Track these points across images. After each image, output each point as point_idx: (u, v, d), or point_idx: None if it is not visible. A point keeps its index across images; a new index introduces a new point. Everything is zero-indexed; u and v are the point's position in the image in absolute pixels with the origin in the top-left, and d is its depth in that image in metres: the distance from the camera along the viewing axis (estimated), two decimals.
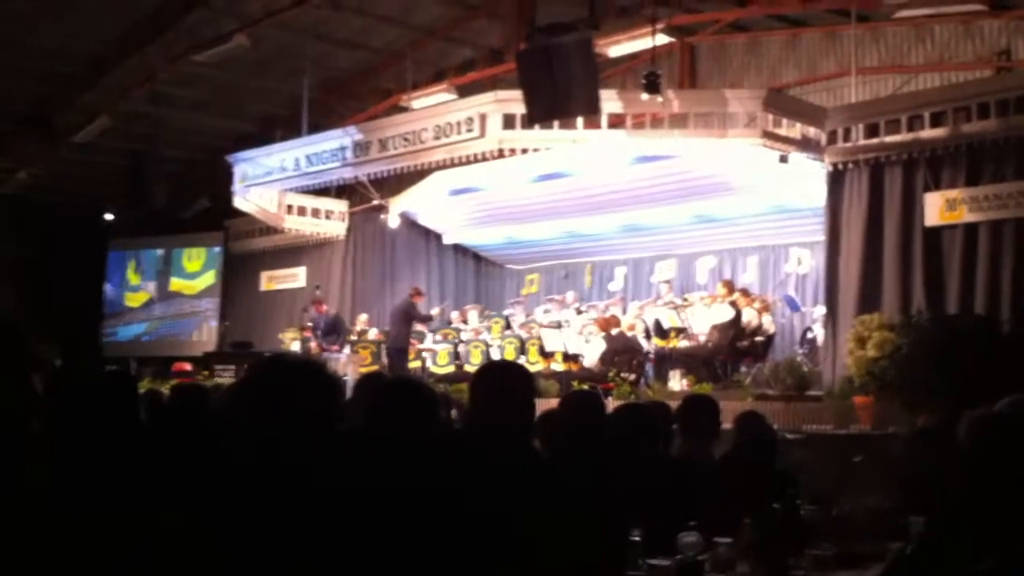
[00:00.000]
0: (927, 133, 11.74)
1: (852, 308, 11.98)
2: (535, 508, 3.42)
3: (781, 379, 12.21)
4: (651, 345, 14.21)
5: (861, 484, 6.06)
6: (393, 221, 17.50)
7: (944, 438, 4.78)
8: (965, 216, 11.41)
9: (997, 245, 11.17)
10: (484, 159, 13.60)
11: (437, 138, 13.67)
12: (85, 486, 2.62)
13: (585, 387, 10.85)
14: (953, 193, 11.55)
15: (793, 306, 14.86)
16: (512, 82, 13.06)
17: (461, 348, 15.45)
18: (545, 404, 4.14)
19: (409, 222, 18.09)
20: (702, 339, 13.79)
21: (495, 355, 14.63)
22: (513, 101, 12.59)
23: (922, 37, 14.07)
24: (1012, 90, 11.36)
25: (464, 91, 15.37)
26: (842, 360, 11.70)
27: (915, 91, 13.35)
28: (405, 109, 15.82)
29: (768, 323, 14.17)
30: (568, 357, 14.19)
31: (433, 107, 14.85)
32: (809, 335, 14.11)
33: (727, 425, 6.04)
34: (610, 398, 11.40)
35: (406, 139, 14.09)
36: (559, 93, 11.73)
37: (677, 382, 13.10)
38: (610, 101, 12.42)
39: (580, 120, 12.46)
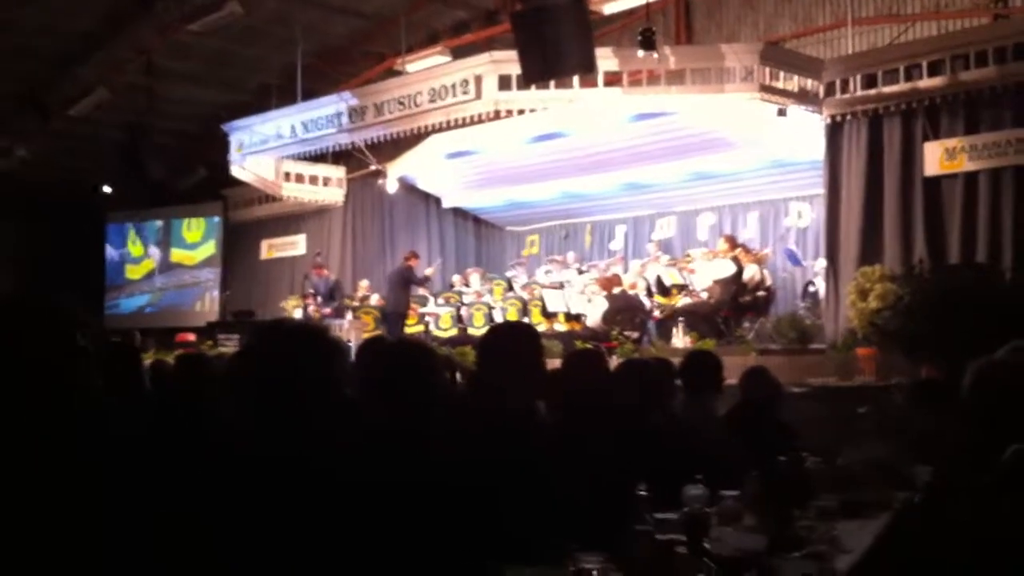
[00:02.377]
0: (925, 83, 11.68)
1: (853, 260, 11.97)
2: (536, 473, 3.43)
3: (784, 333, 12.25)
4: (653, 303, 14.22)
5: (866, 435, 6.09)
6: (391, 186, 17.45)
7: (947, 388, 4.81)
8: (965, 165, 11.39)
9: (997, 193, 11.17)
10: (480, 121, 13.50)
11: (432, 101, 13.57)
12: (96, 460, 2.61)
13: (588, 346, 10.87)
14: (952, 142, 11.52)
15: (794, 260, 14.85)
16: (507, 43, 12.98)
17: (464, 311, 15.47)
18: (548, 364, 4.14)
19: (407, 187, 18.05)
20: (704, 295, 13.79)
21: (498, 317, 14.66)
22: (508, 62, 12.51)
23: None
24: (1009, 37, 11.29)
25: (459, 53, 15.28)
26: (844, 312, 11.71)
27: (912, 40, 13.24)
28: (400, 73, 15.72)
29: (768, 278, 14.17)
30: (570, 317, 14.23)
31: (428, 70, 14.74)
32: (811, 288, 14.13)
33: (732, 380, 6.07)
34: (613, 357, 11.41)
35: (401, 103, 14.01)
36: (554, 52, 11.65)
37: (680, 339, 13.11)
38: (605, 59, 12.29)
39: (576, 79, 12.36)
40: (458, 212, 19.21)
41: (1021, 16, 12.78)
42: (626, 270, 15.43)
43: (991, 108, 11.33)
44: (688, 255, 15.32)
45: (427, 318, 15.85)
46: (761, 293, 13.95)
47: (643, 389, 4.92)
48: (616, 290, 13.98)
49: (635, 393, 4.86)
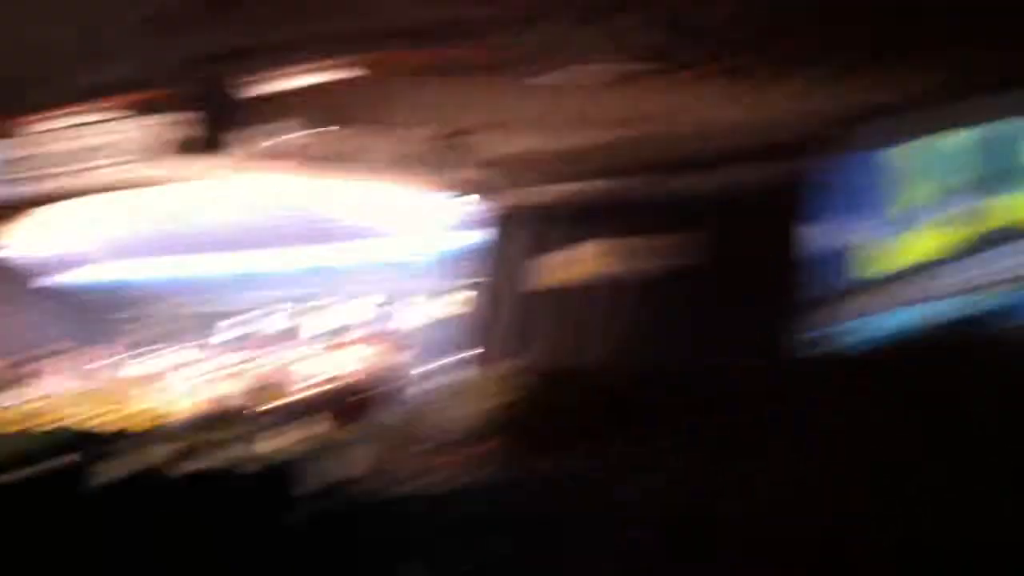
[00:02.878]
0: (585, 185, 12.14)
1: (493, 354, 12.25)
2: None
3: (412, 427, 11.94)
4: (268, 395, 13.53)
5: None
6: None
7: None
8: (614, 267, 11.94)
9: (644, 296, 11.65)
10: (118, 188, 12.92)
11: (67, 163, 12.68)
12: None
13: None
14: (605, 245, 12.04)
15: (433, 352, 14.47)
16: (164, 109, 12.16)
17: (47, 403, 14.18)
18: None
19: (16, 256, 16.26)
20: (328, 387, 13.48)
21: (82, 413, 13.51)
22: (163, 128, 11.87)
23: (585, 91, 14.40)
24: (662, 147, 11.69)
25: (111, 116, 14.10)
26: (476, 406, 11.61)
27: (572, 142, 13.41)
28: (37, 130, 14.41)
29: (400, 369, 14.05)
30: (169, 413, 13.30)
31: (64, 129, 13.42)
32: (444, 380, 13.73)
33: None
34: (206, 460, 10.69)
35: (33, 162, 12.94)
36: (215, 124, 11.34)
37: (292, 436, 12.49)
38: (270, 135, 11.88)
39: (232, 153, 11.72)
40: (65, 288, 17.33)
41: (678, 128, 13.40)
42: (248, 358, 14.89)
43: (642, 213, 11.83)
44: (317, 345, 15.09)
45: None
46: (386, 386, 13.65)
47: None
48: (226, 384, 13.64)
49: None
